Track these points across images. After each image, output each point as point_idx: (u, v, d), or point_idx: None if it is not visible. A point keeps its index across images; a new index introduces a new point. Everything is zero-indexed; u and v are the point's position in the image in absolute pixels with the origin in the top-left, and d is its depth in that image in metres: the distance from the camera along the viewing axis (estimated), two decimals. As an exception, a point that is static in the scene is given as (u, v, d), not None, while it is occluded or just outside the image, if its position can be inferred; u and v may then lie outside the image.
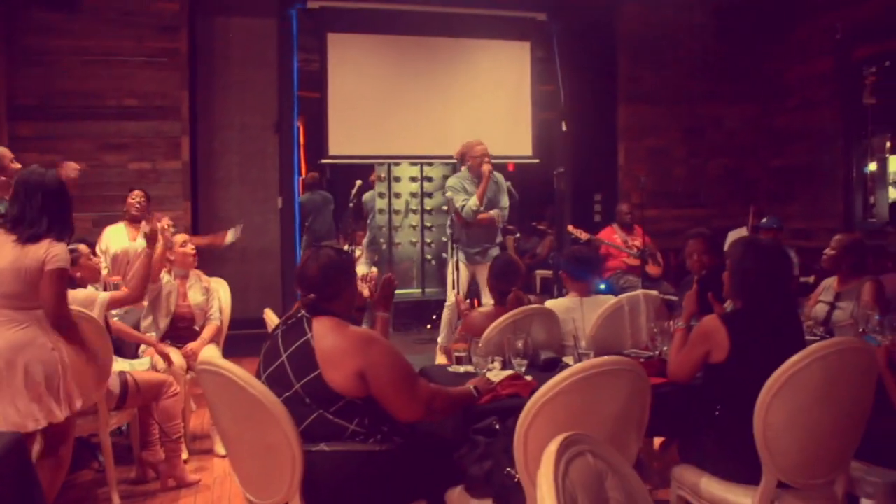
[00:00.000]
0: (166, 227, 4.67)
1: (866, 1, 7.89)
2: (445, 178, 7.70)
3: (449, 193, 6.51)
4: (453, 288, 6.38)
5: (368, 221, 8.87)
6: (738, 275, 3.03)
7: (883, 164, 8.10)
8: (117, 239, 5.91)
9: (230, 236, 6.39)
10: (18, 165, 4.80)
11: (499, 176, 6.66)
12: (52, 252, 3.19)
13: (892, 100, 7.78)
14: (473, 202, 6.31)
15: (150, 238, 4.37)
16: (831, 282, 4.56)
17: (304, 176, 9.34)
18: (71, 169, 6.02)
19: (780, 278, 3.01)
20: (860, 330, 3.63)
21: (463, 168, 6.62)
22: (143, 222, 4.94)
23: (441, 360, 6.34)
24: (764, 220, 7.38)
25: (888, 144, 8.00)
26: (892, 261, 7.21)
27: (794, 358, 2.65)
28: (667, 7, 8.68)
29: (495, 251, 6.43)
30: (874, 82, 7.95)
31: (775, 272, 3.00)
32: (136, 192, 6.10)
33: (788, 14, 8.79)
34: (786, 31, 8.92)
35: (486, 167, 6.30)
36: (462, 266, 6.46)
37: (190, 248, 5.04)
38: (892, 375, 3.05)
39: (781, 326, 2.98)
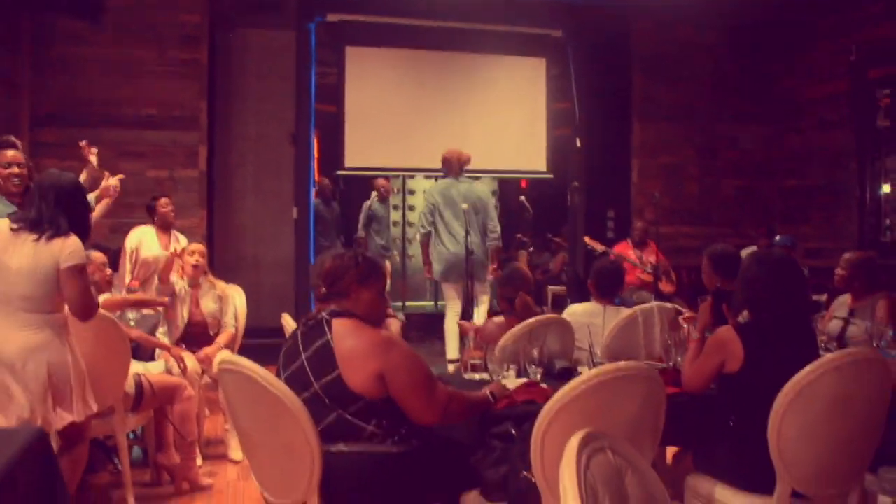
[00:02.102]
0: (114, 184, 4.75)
1: (880, 23, 7.93)
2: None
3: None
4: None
5: (365, 230, 8.95)
6: (748, 286, 3.05)
7: (896, 186, 8.11)
8: (149, 244, 5.96)
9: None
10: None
11: (480, 189, 6.84)
12: (66, 249, 3.17)
13: (906, 122, 7.80)
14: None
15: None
16: (845, 298, 4.58)
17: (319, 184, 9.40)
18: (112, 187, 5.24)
19: (790, 289, 3.02)
20: (875, 345, 3.65)
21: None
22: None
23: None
24: (777, 238, 7.39)
25: (902, 166, 8.01)
26: (906, 280, 7.20)
27: (809, 368, 2.67)
28: (681, 26, 8.73)
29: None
30: (888, 104, 7.97)
31: (786, 283, 3.01)
32: (164, 199, 6.14)
33: (802, 35, 8.83)
34: (800, 51, 8.95)
35: None
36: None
37: (195, 259, 5.05)
38: (907, 389, 3.05)
39: (795, 337, 3.00)
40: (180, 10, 7.61)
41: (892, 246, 7.95)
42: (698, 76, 9.08)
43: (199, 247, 5.19)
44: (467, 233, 6.36)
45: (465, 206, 6.47)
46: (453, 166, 6.80)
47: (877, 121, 8.13)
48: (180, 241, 5.94)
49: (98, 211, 4.71)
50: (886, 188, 8.17)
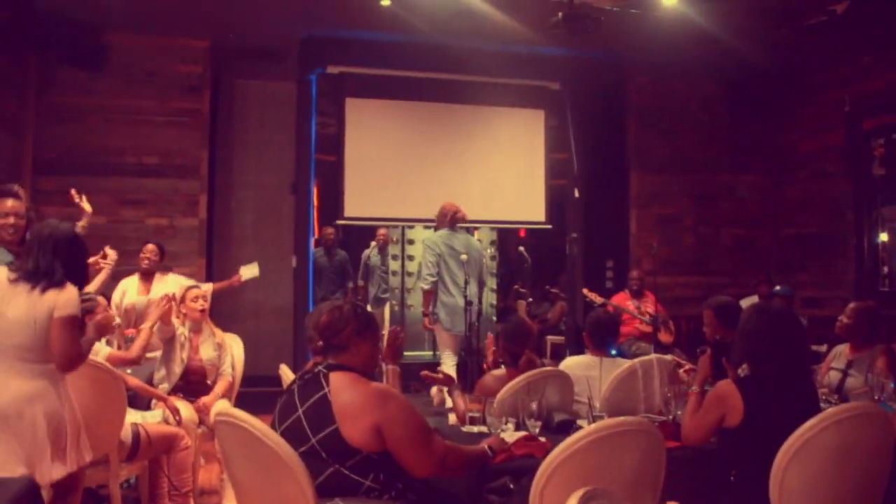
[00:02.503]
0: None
1: (873, 75, 8.06)
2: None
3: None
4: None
5: (363, 280, 8.98)
6: (747, 338, 3.05)
7: (894, 234, 8.14)
8: (130, 292, 5.98)
9: (246, 273, 6.44)
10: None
11: (476, 242, 7.06)
12: (61, 298, 3.17)
13: (901, 171, 7.87)
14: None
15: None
16: (842, 349, 4.56)
17: (322, 233, 9.43)
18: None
19: (790, 341, 3.03)
20: (875, 398, 3.63)
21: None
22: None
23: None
24: (777, 288, 7.40)
25: (898, 215, 8.05)
26: (903, 331, 7.19)
27: (811, 422, 2.66)
28: (677, 79, 8.86)
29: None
30: (883, 154, 8.05)
31: (785, 335, 3.02)
32: (149, 245, 6.15)
33: (797, 88, 8.96)
34: (795, 104, 9.07)
35: None
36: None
37: (199, 304, 5.06)
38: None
39: (796, 391, 2.99)
40: (182, 60, 7.73)
41: (889, 295, 7.95)
42: (694, 128, 9.19)
43: (202, 292, 5.19)
44: (466, 283, 6.41)
45: (464, 256, 6.55)
46: (446, 219, 6.89)
47: (872, 170, 8.20)
48: (168, 283, 5.95)
49: (97, 282, 4.77)
50: (884, 237, 8.20)
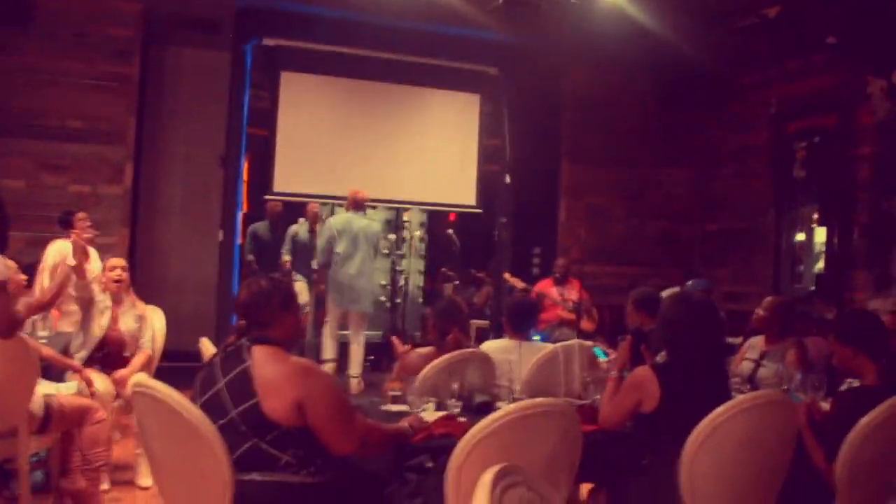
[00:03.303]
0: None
1: (798, 80, 8.31)
2: (388, 222, 7.77)
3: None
4: None
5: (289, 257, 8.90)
6: (667, 327, 3.14)
7: (810, 235, 8.43)
8: (60, 254, 5.77)
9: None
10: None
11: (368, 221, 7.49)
12: None
13: (820, 174, 8.14)
14: None
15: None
16: (757, 341, 4.71)
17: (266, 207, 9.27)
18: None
19: (707, 332, 3.12)
20: (784, 388, 3.77)
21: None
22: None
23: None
24: (690, 282, 7.55)
25: (815, 216, 8.35)
26: (816, 326, 7.46)
27: (720, 409, 2.75)
28: (612, 72, 8.99)
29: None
30: (804, 156, 8.32)
31: (703, 325, 3.11)
32: (82, 213, 5.96)
33: (727, 87, 9.18)
34: (724, 102, 9.29)
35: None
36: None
37: (116, 274, 4.92)
38: (811, 432, 3.16)
39: (710, 378, 3.09)
40: (113, 23, 7.47)
41: (804, 293, 8.25)
42: (627, 121, 9.34)
43: (120, 261, 5.04)
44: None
45: (363, 239, 7.15)
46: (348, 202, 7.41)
47: (794, 171, 8.47)
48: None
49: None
50: (801, 236, 8.49)
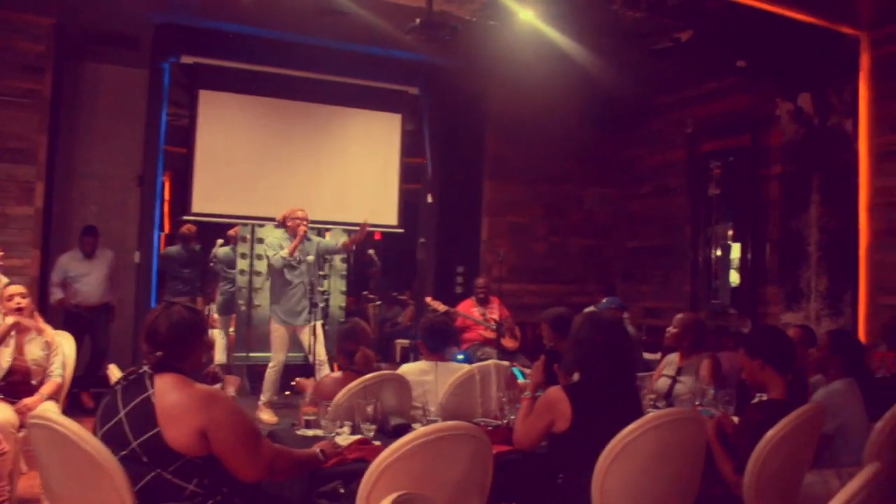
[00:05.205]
0: None
1: (713, 101, 8.59)
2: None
3: (267, 251, 7.06)
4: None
5: (221, 281, 8.73)
6: (575, 346, 3.18)
7: (726, 251, 8.68)
8: None
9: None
10: None
11: (317, 239, 7.33)
12: None
13: (734, 192, 8.41)
14: (285, 252, 6.91)
15: None
16: (674, 357, 4.81)
17: (182, 228, 9.07)
18: None
19: (614, 350, 3.17)
20: (697, 403, 3.85)
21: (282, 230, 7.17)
22: None
23: (265, 416, 6.82)
24: (604, 300, 7.62)
25: (730, 233, 8.60)
26: (731, 340, 7.66)
27: (630, 427, 2.79)
28: (533, 92, 9.10)
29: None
30: (719, 175, 8.59)
31: (610, 344, 3.16)
32: None
33: (645, 107, 9.43)
34: (643, 122, 9.54)
35: (302, 228, 6.96)
36: (279, 326, 6.99)
37: (14, 302, 4.74)
38: (720, 445, 3.24)
39: (621, 397, 3.13)
40: (22, 38, 7.24)
41: (719, 307, 8.48)
42: (548, 140, 9.48)
43: (18, 288, 4.85)
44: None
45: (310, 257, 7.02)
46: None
47: (709, 190, 8.73)
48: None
49: None
50: (717, 252, 8.74)
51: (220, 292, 8.90)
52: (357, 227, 7.10)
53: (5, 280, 5.77)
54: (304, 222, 7.02)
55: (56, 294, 7.40)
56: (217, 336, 8.45)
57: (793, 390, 3.50)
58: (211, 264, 8.40)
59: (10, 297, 4.73)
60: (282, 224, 7.13)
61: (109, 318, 7.70)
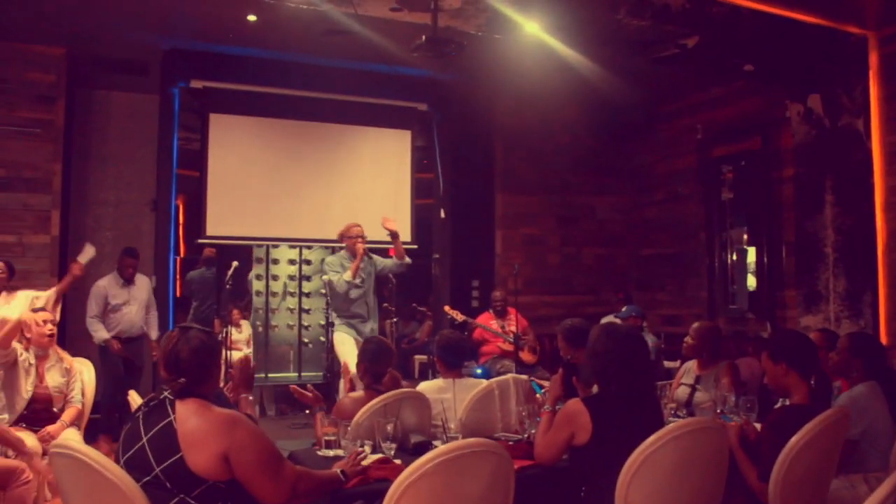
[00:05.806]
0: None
1: (722, 106, 8.57)
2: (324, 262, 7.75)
3: (327, 276, 6.83)
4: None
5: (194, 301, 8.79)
6: (593, 358, 3.16)
7: (742, 255, 8.63)
8: None
9: (84, 258, 6.13)
10: None
11: (375, 257, 7.08)
12: None
13: (747, 195, 8.37)
14: (347, 275, 6.74)
15: None
16: (692, 365, 4.78)
17: (205, 252, 9.12)
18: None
19: (632, 361, 3.15)
20: (718, 410, 3.82)
21: (342, 250, 6.99)
22: None
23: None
24: (624, 308, 7.65)
25: (745, 237, 8.55)
26: (751, 345, 7.63)
27: (651, 438, 2.77)
28: (541, 103, 9.13)
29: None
30: (731, 179, 8.55)
31: (627, 355, 3.14)
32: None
33: (654, 114, 9.42)
34: (652, 129, 9.53)
35: (359, 246, 6.76)
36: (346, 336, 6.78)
37: (48, 329, 4.79)
38: (743, 452, 3.21)
39: (640, 408, 3.11)
40: (35, 68, 7.34)
41: (737, 312, 8.42)
42: (558, 151, 9.49)
43: (49, 315, 4.92)
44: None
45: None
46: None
47: (722, 194, 8.69)
48: (17, 301, 5.64)
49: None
50: (733, 257, 8.69)
51: (193, 311, 8.88)
52: (372, 244, 7.05)
53: (35, 294, 5.82)
54: (360, 240, 6.79)
55: (99, 332, 6.74)
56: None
57: (816, 395, 3.47)
58: (227, 286, 8.45)
59: (44, 323, 4.78)
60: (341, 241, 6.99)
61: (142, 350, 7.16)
